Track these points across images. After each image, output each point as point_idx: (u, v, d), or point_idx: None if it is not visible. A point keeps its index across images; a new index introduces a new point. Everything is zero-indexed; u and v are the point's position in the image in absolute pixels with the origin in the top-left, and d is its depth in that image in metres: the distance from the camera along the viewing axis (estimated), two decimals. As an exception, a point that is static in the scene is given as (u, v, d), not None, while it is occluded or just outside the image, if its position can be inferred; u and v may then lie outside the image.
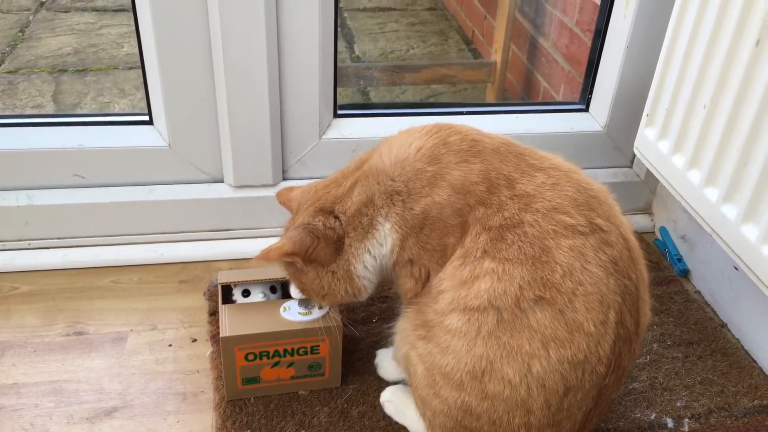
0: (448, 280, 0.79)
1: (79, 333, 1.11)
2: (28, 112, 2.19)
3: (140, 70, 1.19)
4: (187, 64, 1.14)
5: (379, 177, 0.82)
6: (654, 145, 1.10)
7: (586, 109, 1.36)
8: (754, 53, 0.88)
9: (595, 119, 1.35)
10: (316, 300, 0.91)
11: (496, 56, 2.05)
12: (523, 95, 2.14)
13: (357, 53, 2.55)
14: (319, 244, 0.84)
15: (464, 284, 0.77)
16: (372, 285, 0.88)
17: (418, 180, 0.80)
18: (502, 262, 0.75)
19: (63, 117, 1.28)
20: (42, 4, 2.97)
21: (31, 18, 2.85)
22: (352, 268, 0.85)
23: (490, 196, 0.77)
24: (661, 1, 1.18)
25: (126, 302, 1.17)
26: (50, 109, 2.21)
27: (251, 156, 1.22)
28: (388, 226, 0.82)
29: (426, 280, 0.85)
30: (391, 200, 0.82)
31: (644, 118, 1.13)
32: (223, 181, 1.26)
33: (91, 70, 2.47)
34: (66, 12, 2.92)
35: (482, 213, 0.78)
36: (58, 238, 1.23)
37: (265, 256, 0.84)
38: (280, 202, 0.97)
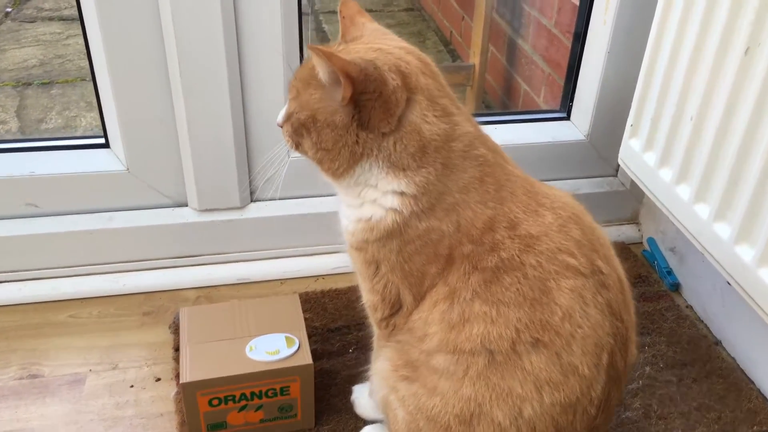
0: (436, 324, 0.73)
1: (34, 376, 1.03)
2: (-9, 129, 2.10)
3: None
4: (141, 83, 1.06)
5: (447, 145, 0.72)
6: (639, 156, 1.04)
7: (568, 118, 1.30)
8: (744, 62, 0.83)
9: (577, 128, 1.29)
10: (296, 141, 0.76)
11: (475, 59, 1.99)
12: (503, 98, 2.08)
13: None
14: (378, 99, 0.69)
15: (454, 328, 0.72)
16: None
17: (442, 197, 0.72)
18: (496, 305, 0.70)
19: (12, 142, 1.20)
20: (7, 14, 2.87)
21: (-6, 29, 2.75)
22: (366, 158, 0.72)
23: (483, 235, 0.72)
24: (642, 3, 1.12)
25: (85, 339, 1.10)
26: (14, 125, 2.12)
27: (216, 178, 1.15)
28: (397, 201, 0.72)
29: (396, 305, 0.79)
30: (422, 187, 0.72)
31: (628, 128, 1.07)
32: (187, 205, 1.19)
33: (57, 83, 2.38)
34: (32, 22, 2.82)
35: (470, 250, 0.72)
36: (11, 272, 1.15)
37: (328, 57, 0.66)
38: (342, 10, 0.80)
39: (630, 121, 1.07)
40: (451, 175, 0.72)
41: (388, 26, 0.82)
